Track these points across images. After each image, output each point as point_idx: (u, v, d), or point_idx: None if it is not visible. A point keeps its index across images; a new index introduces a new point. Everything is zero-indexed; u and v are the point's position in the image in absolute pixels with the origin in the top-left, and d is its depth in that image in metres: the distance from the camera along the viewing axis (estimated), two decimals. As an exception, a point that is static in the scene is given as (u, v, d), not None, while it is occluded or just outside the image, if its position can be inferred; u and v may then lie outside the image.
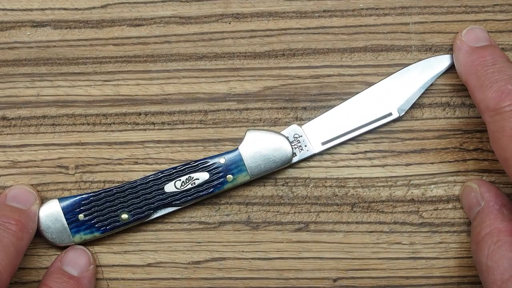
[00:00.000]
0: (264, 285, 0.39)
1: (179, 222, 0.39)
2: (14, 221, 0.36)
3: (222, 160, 0.38)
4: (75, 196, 0.38)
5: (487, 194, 0.37)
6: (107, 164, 0.40)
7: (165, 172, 0.38)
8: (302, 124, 0.39)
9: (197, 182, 0.38)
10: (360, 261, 0.39)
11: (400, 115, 0.39)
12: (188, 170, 0.38)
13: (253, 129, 0.38)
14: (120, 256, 0.39)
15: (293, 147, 0.38)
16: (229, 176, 0.38)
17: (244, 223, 0.39)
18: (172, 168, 0.38)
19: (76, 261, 0.37)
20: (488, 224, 0.35)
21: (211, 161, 0.38)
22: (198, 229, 0.39)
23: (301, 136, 0.39)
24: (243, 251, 0.39)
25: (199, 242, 0.39)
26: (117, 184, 0.38)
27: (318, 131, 0.39)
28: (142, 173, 0.39)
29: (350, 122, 0.39)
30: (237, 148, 0.38)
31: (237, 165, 0.38)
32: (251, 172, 0.38)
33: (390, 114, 0.39)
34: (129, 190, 0.38)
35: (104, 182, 0.39)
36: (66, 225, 0.37)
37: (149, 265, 0.39)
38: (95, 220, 0.38)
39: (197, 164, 0.38)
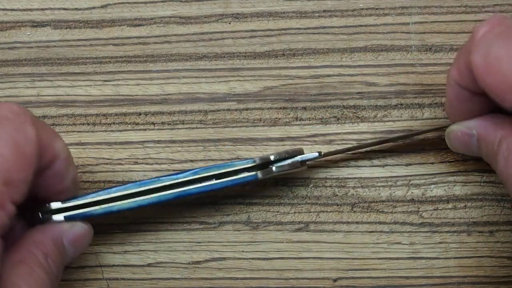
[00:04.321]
0: (264, 285, 0.39)
1: (179, 222, 0.39)
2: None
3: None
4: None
5: (470, 123, 0.36)
6: (107, 164, 0.40)
7: (177, 198, 0.36)
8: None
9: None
10: (360, 261, 0.39)
11: None
12: (202, 193, 0.36)
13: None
14: (120, 256, 0.39)
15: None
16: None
17: (244, 223, 0.39)
18: (185, 193, 0.36)
19: (81, 242, 0.36)
20: (495, 135, 0.34)
21: (227, 184, 0.36)
22: (198, 229, 0.39)
23: None
24: (243, 251, 0.39)
25: (199, 242, 0.39)
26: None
27: None
28: (142, 173, 0.39)
29: None
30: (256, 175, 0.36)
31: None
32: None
33: None
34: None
35: (104, 182, 0.39)
36: None
37: (149, 265, 0.39)
38: None
39: (213, 189, 0.36)
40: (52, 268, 0.33)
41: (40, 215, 0.35)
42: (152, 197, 0.36)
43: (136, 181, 0.36)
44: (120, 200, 0.36)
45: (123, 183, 0.38)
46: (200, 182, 0.36)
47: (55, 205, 0.35)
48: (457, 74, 0.34)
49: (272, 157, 0.36)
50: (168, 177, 0.36)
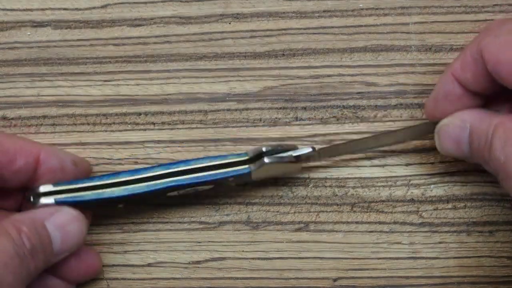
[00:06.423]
0: (264, 285, 0.39)
1: (179, 222, 0.39)
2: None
3: (230, 178, 0.36)
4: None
5: (464, 115, 0.35)
6: (107, 164, 0.40)
7: (168, 188, 0.36)
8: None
9: (200, 188, 0.37)
10: (360, 261, 0.39)
11: None
12: (193, 184, 0.36)
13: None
14: (120, 256, 0.39)
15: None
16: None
17: (244, 223, 0.39)
18: (176, 183, 0.36)
19: (67, 228, 0.34)
20: (489, 123, 0.33)
21: (220, 177, 0.36)
22: (198, 229, 0.39)
23: None
24: (243, 251, 0.39)
25: (199, 242, 0.39)
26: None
27: None
28: (142, 173, 0.39)
29: None
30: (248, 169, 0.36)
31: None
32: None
33: None
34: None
35: (104, 182, 0.39)
36: None
37: (149, 265, 0.39)
38: None
39: (204, 180, 0.36)
40: (25, 244, 0.32)
41: (31, 198, 0.35)
42: (143, 186, 0.36)
43: (129, 170, 0.36)
44: (113, 187, 0.36)
45: (117, 172, 0.38)
46: (192, 173, 0.36)
47: (45, 188, 0.35)
48: (459, 67, 0.34)
49: (264, 149, 0.36)
50: (160, 167, 0.36)
